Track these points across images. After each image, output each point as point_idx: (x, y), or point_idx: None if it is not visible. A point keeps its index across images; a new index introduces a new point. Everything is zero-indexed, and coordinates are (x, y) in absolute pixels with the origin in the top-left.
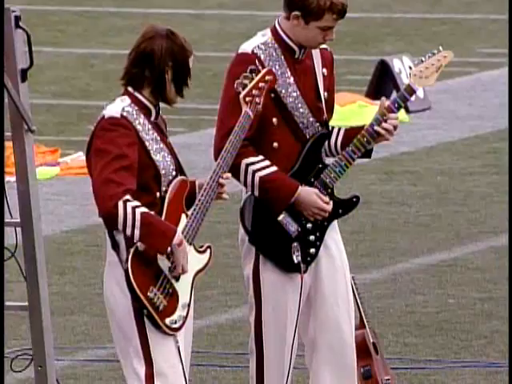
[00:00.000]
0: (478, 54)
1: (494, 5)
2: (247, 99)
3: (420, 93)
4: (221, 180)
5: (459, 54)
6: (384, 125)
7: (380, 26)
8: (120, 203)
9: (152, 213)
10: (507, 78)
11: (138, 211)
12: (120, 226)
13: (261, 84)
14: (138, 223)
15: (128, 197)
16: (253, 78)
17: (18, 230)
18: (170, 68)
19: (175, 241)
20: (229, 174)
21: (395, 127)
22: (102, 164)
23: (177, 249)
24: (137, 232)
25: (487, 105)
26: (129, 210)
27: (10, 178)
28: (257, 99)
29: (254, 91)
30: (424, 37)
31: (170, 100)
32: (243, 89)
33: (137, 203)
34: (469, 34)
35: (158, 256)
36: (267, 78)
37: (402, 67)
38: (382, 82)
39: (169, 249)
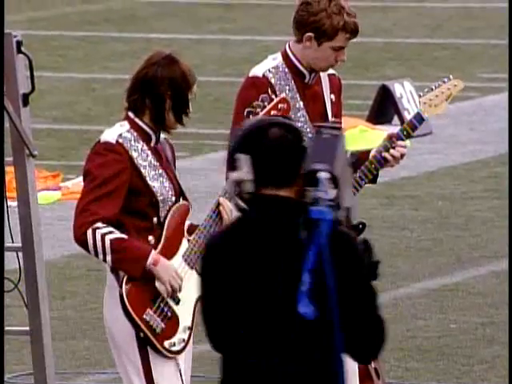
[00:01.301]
0: (478, 78)
1: (495, 30)
2: None
3: None
4: (222, 211)
5: (460, 78)
6: (392, 151)
7: (381, 51)
8: (89, 231)
9: (125, 237)
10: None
11: (108, 238)
12: (92, 253)
13: (273, 112)
14: (107, 250)
15: (98, 224)
16: (265, 106)
17: (20, 254)
18: (169, 96)
19: (149, 261)
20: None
21: (402, 155)
22: (84, 190)
23: (154, 268)
24: (108, 258)
25: (488, 129)
26: (98, 238)
27: (12, 203)
28: None
29: None
30: (425, 62)
31: (169, 127)
32: (254, 117)
33: (108, 230)
34: (470, 59)
35: (156, 279)
36: (280, 106)
37: (403, 92)
38: (383, 107)
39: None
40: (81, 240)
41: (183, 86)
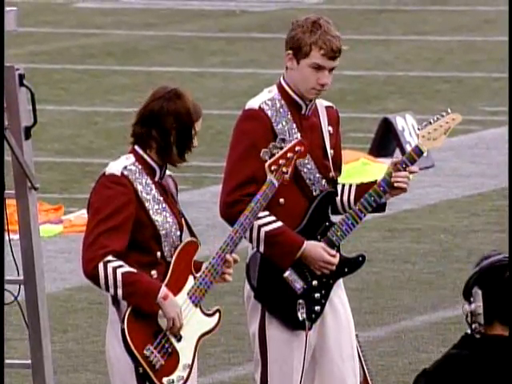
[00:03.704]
0: (480, 112)
1: (497, 63)
2: (273, 168)
3: None
4: (227, 256)
5: (462, 112)
6: (398, 173)
7: (383, 84)
8: (100, 265)
9: (135, 271)
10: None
11: (119, 271)
12: (103, 287)
13: (289, 154)
14: (119, 283)
15: (109, 258)
16: (281, 148)
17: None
18: (174, 130)
19: (160, 295)
20: (236, 257)
21: (408, 177)
22: (91, 225)
23: (163, 303)
24: (119, 292)
25: (490, 163)
26: (109, 271)
27: (14, 236)
28: (283, 169)
29: (281, 161)
30: (427, 95)
31: (175, 161)
32: (270, 157)
33: (119, 263)
34: (471, 92)
35: (159, 315)
36: (297, 148)
37: (405, 125)
38: (385, 140)
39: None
40: (92, 274)
41: (187, 121)
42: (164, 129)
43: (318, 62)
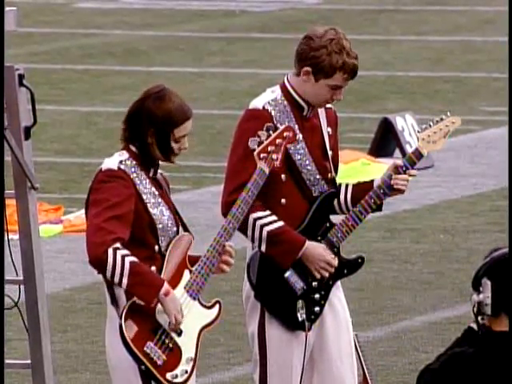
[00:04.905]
0: (480, 112)
1: (497, 63)
2: (262, 156)
3: None
4: (226, 245)
5: (462, 112)
6: (398, 176)
7: (383, 84)
8: (110, 250)
9: (140, 262)
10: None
11: (128, 260)
12: (108, 274)
13: (278, 140)
14: (126, 272)
15: (118, 245)
16: (270, 135)
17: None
18: (152, 132)
19: (162, 291)
20: (231, 244)
21: (407, 180)
22: (95, 212)
23: (164, 299)
24: (125, 280)
25: (490, 163)
26: (118, 258)
27: (13, 236)
28: (273, 155)
29: (269, 148)
30: (427, 95)
31: (159, 160)
32: (258, 145)
33: (127, 252)
34: (471, 92)
35: (157, 311)
36: (285, 134)
37: (405, 125)
38: (385, 140)
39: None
40: (100, 258)
41: (164, 125)
42: (140, 128)
43: (338, 84)
